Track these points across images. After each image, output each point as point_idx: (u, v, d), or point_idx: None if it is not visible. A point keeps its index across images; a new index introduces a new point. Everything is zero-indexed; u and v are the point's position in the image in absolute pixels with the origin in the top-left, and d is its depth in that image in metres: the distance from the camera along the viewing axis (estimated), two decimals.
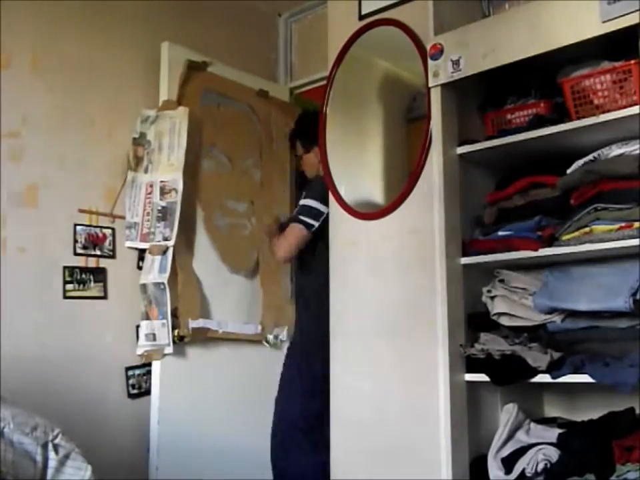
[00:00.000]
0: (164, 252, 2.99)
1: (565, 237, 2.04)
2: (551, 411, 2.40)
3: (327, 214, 2.85)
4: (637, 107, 1.89)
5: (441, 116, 2.24)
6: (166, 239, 3.00)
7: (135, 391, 3.03)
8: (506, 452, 2.11)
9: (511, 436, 2.15)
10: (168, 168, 3.06)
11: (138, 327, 3.02)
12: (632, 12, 1.84)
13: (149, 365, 3.02)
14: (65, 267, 2.88)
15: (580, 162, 2.05)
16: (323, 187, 2.95)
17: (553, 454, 2.01)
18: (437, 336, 2.16)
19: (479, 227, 2.29)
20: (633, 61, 1.97)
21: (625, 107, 1.94)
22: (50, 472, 1.75)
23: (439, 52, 2.24)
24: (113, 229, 3.05)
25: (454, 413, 2.12)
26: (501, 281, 2.21)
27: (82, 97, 3.01)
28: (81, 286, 2.92)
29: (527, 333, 2.14)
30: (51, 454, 1.76)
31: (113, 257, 3.04)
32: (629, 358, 1.92)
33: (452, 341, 2.15)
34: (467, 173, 2.30)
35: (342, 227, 2.68)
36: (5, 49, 2.77)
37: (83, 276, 2.93)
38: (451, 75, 2.21)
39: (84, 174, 2.99)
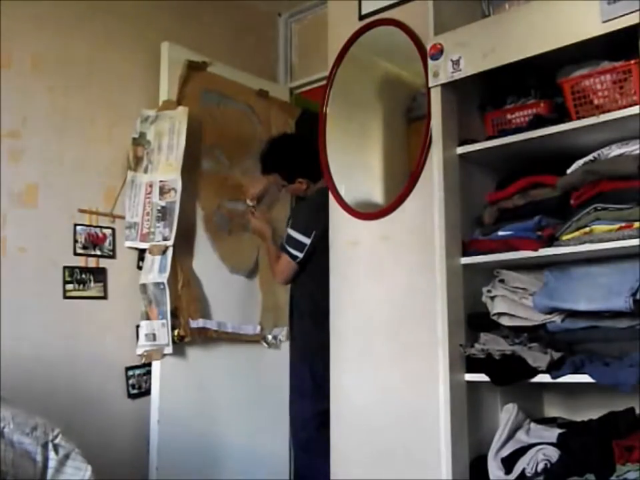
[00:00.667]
0: (163, 252, 2.99)
1: (565, 237, 2.04)
2: (550, 411, 2.40)
3: (311, 243, 2.98)
4: (637, 106, 1.89)
5: (441, 116, 2.23)
6: (165, 239, 3.00)
7: (135, 391, 3.03)
8: (506, 452, 2.11)
9: (510, 436, 2.15)
10: (167, 168, 3.06)
11: (138, 327, 3.03)
12: (632, 12, 1.84)
13: (149, 365, 3.02)
14: (65, 267, 2.88)
15: (580, 162, 2.05)
16: (305, 215, 3.06)
17: (553, 454, 2.00)
18: (437, 336, 2.16)
19: (479, 227, 2.29)
20: (632, 61, 1.96)
21: (624, 107, 1.93)
22: (50, 472, 1.75)
23: (438, 52, 2.24)
24: (113, 229, 3.05)
25: (454, 413, 2.12)
26: (501, 281, 2.21)
27: (82, 97, 3.02)
28: (81, 286, 2.92)
29: (526, 333, 2.14)
30: (51, 454, 1.76)
31: (112, 257, 3.04)
32: (629, 358, 1.92)
33: (452, 341, 2.15)
34: (467, 173, 2.30)
35: (342, 226, 2.68)
36: (5, 49, 2.77)
37: (83, 276, 2.93)
38: (451, 75, 2.21)
39: (84, 174, 2.99)
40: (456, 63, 2.19)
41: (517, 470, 2.04)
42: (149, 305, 2.99)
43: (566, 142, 2.08)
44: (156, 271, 2.99)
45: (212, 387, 3.19)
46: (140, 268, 3.06)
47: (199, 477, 3.01)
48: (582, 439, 1.98)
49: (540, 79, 2.26)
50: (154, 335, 2.98)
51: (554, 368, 2.00)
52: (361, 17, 2.69)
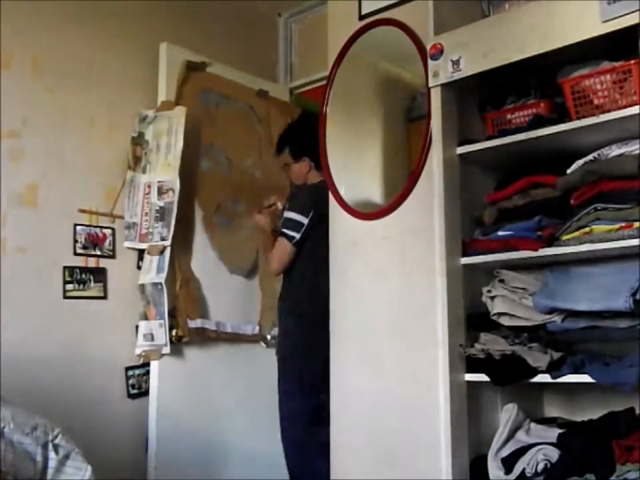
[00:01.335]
0: (161, 252, 2.99)
1: (565, 237, 2.04)
2: (550, 411, 2.40)
3: (308, 224, 2.96)
4: (637, 106, 1.89)
5: (441, 116, 2.23)
6: (163, 239, 3.00)
7: (135, 391, 3.03)
8: (506, 452, 2.11)
9: (511, 436, 2.15)
10: (165, 168, 3.06)
11: (137, 327, 3.02)
12: (632, 12, 1.84)
13: (149, 364, 3.02)
14: (65, 267, 2.88)
15: (580, 162, 2.05)
16: (304, 196, 3.03)
17: (553, 454, 2.00)
18: (437, 336, 2.16)
19: (479, 227, 2.29)
20: (632, 61, 1.96)
21: (625, 107, 1.93)
22: (50, 472, 1.75)
23: (438, 52, 2.24)
24: (113, 229, 3.06)
25: (454, 412, 2.12)
26: (501, 281, 2.21)
27: (82, 97, 3.02)
28: (81, 286, 2.92)
29: (527, 333, 2.14)
30: (51, 454, 1.76)
31: (112, 257, 3.04)
32: (629, 358, 1.92)
33: (452, 341, 2.15)
34: (467, 173, 2.30)
35: (342, 226, 2.68)
36: (5, 49, 2.78)
37: (83, 276, 2.93)
38: (451, 75, 2.21)
39: (84, 174, 2.99)
40: (456, 63, 2.19)
41: (517, 470, 2.04)
42: (148, 305, 2.99)
43: (566, 142, 2.08)
44: (154, 271, 2.99)
45: (210, 387, 3.19)
46: (140, 268, 3.06)
47: (198, 477, 3.01)
48: (582, 439, 1.98)
49: (540, 79, 2.26)
50: (152, 335, 2.98)
51: (554, 368, 2.00)
52: (361, 17, 2.68)
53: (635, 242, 1.87)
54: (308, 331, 2.93)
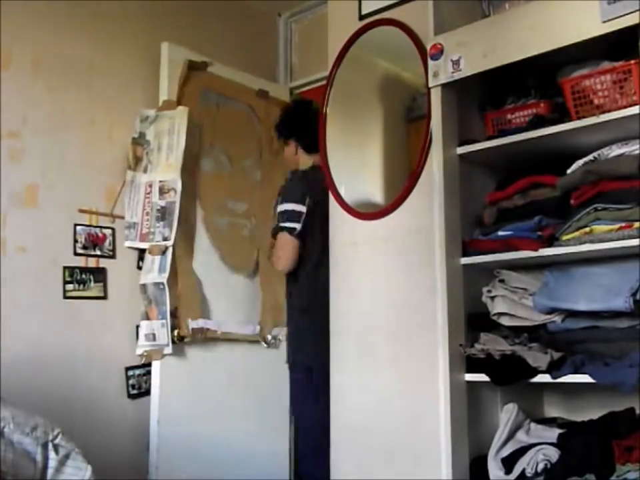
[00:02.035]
0: (163, 252, 2.99)
1: (565, 237, 2.04)
2: (550, 411, 2.40)
3: (307, 212, 2.87)
4: (637, 107, 1.89)
5: (441, 116, 2.23)
6: (165, 239, 3.00)
7: (135, 391, 3.03)
8: (506, 452, 2.11)
9: (511, 436, 2.15)
10: (167, 168, 3.06)
11: (138, 327, 3.02)
12: (632, 12, 1.84)
13: (149, 365, 3.02)
14: (65, 267, 2.89)
15: (580, 162, 2.05)
16: (295, 185, 2.97)
17: (553, 454, 2.00)
18: (437, 336, 2.16)
19: (479, 227, 2.29)
20: (633, 61, 1.96)
21: (625, 107, 1.93)
22: (50, 472, 1.76)
23: (439, 52, 2.24)
24: (113, 229, 3.06)
25: (454, 413, 2.12)
26: (501, 281, 2.21)
27: (82, 97, 3.02)
28: (81, 286, 2.92)
29: (527, 333, 2.14)
30: (51, 454, 1.77)
31: (113, 257, 3.04)
32: (629, 358, 1.92)
33: (452, 341, 2.15)
34: (467, 173, 2.30)
35: (342, 226, 2.68)
36: (5, 48, 2.78)
37: (83, 276, 2.93)
38: (451, 75, 2.21)
39: (84, 174, 2.99)
40: (456, 63, 2.19)
41: (517, 470, 2.04)
42: (149, 305, 2.99)
43: (566, 142, 2.08)
44: (156, 271, 2.99)
45: (212, 387, 3.19)
46: (140, 268, 3.06)
47: (199, 477, 3.01)
48: (582, 439, 1.98)
49: (540, 79, 2.26)
50: (154, 335, 2.98)
51: (554, 368, 2.00)
52: (361, 17, 2.68)
53: (635, 242, 1.87)
54: (320, 325, 2.81)
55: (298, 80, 3.88)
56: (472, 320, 2.24)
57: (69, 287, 2.89)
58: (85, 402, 2.83)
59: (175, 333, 3.02)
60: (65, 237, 2.91)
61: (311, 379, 2.87)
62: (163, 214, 3.03)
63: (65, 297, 2.88)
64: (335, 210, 2.72)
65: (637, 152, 1.97)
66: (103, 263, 3.01)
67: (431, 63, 2.26)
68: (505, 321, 2.19)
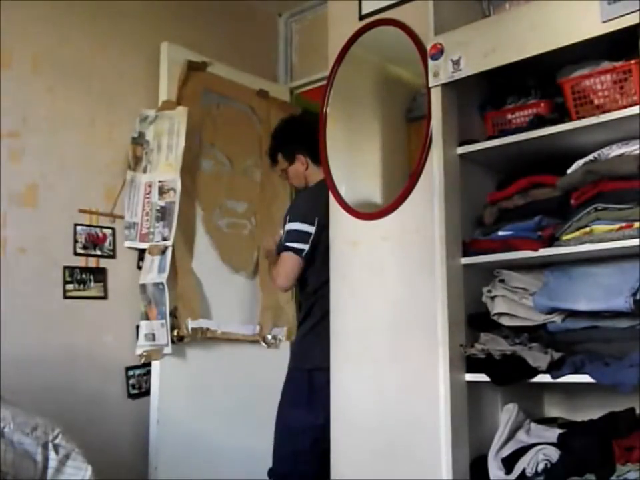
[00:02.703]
0: (163, 252, 2.99)
1: (565, 237, 2.03)
2: (550, 411, 2.40)
3: (315, 232, 2.78)
4: (637, 107, 1.89)
5: (441, 116, 2.23)
6: (165, 239, 3.00)
7: (135, 391, 3.04)
8: (506, 452, 2.10)
9: (511, 436, 2.15)
10: (166, 168, 3.07)
11: (138, 327, 3.03)
12: (632, 12, 1.84)
13: (149, 365, 3.03)
14: (65, 267, 2.89)
15: (580, 162, 2.05)
16: (304, 203, 2.89)
17: (553, 454, 2.00)
18: (437, 336, 2.16)
19: (479, 227, 2.29)
20: (633, 61, 1.96)
21: (625, 107, 1.93)
22: (50, 472, 1.76)
23: (439, 52, 2.24)
24: (113, 229, 3.06)
25: (454, 412, 2.11)
26: (501, 280, 2.21)
27: (82, 97, 3.02)
28: (81, 286, 2.92)
29: (527, 333, 2.14)
30: (51, 454, 1.77)
31: (113, 257, 3.04)
32: (629, 358, 1.92)
33: (452, 341, 2.15)
34: (467, 173, 2.29)
35: (342, 226, 2.68)
36: (5, 49, 2.78)
37: (83, 276, 2.93)
38: (451, 75, 2.21)
39: (84, 174, 2.99)
40: (456, 62, 2.19)
41: (517, 470, 2.04)
42: (149, 305, 3.00)
43: (566, 142, 2.08)
44: (155, 271, 2.99)
45: (211, 387, 3.19)
46: (140, 268, 3.06)
47: (198, 477, 3.01)
48: (582, 439, 1.98)
49: (540, 79, 2.26)
50: (153, 335, 2.98)
51: (554, 368, 2.00)
52: (361, 17, 2.68)
53: (635, 242, 1.87)
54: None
55: (298, 80, 3.88)
56: (472, 320, 2.24)
57: (69, 286, 2.89)
58: (85, 402, 2.83)
59: (175, 332, 3.02)
60: (65, 237, 2.91)
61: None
62: (163, 214, 3.03)
63: (65, 297, 2.88)
64: (335, 210, 2.71)
65: (637, 152, 1.96)
66: (103, 263, 3.01)
67: (431, 62, 2.26)
68: (505, 321, 2.19)
